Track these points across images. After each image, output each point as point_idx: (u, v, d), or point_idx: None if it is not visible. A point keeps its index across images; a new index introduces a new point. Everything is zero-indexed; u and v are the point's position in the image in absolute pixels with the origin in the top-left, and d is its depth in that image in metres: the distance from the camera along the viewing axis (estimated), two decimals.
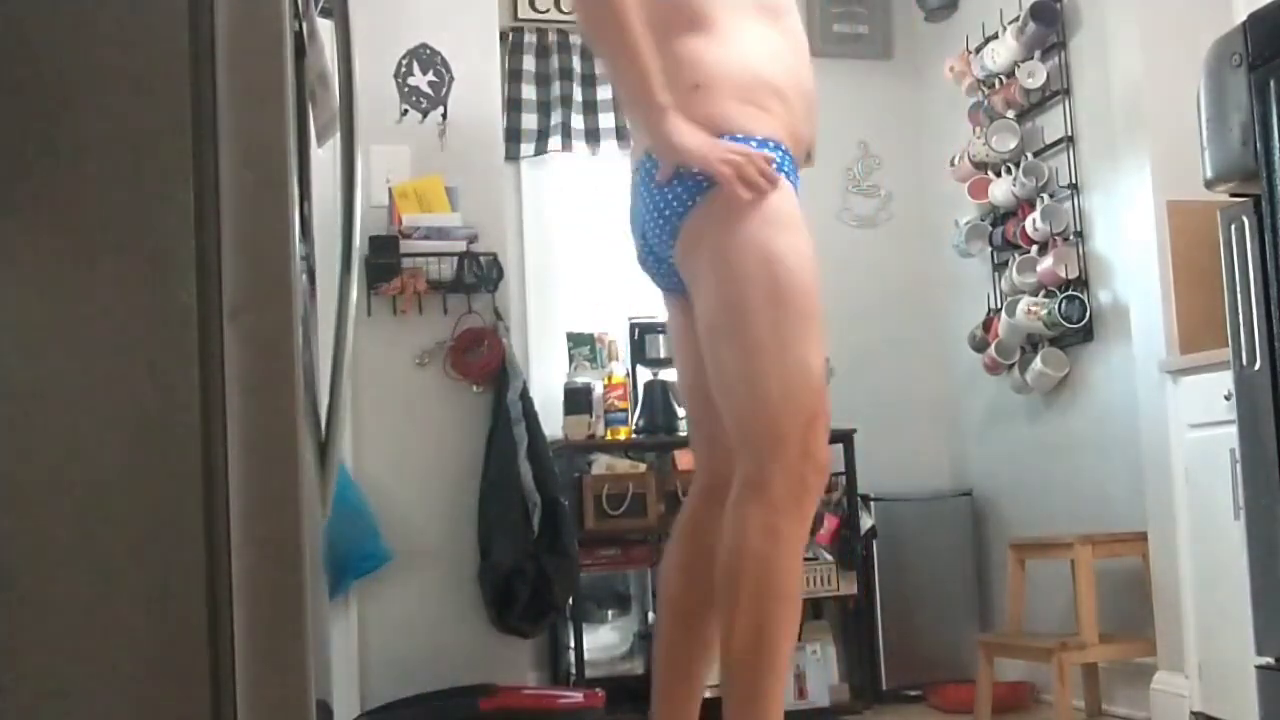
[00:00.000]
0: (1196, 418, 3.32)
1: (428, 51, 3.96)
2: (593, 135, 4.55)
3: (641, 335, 4.34)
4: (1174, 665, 3.47)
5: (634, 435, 4.24)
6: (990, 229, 4.51)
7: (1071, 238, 4.15)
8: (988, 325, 4.51)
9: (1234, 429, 2.92)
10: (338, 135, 1.76)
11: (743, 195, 1.99)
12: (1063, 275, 4.13)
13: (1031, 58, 4.27)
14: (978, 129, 4.50)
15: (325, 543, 1.58)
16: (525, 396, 3.87)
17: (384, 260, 3.78)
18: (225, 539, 1.17)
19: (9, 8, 1.18)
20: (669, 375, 4.25)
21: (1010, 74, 4.36)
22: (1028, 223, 4.25)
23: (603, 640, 4.07)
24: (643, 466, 4.13)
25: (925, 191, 5.04)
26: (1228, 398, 2.99)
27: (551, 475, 3.81)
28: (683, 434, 4.05)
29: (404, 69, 3.94)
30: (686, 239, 2.07)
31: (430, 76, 3.92)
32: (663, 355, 4.25)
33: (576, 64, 4.60)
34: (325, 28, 1.81)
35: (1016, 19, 4.28)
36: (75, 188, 1.18)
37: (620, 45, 2.00)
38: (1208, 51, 2.91)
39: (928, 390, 4.97)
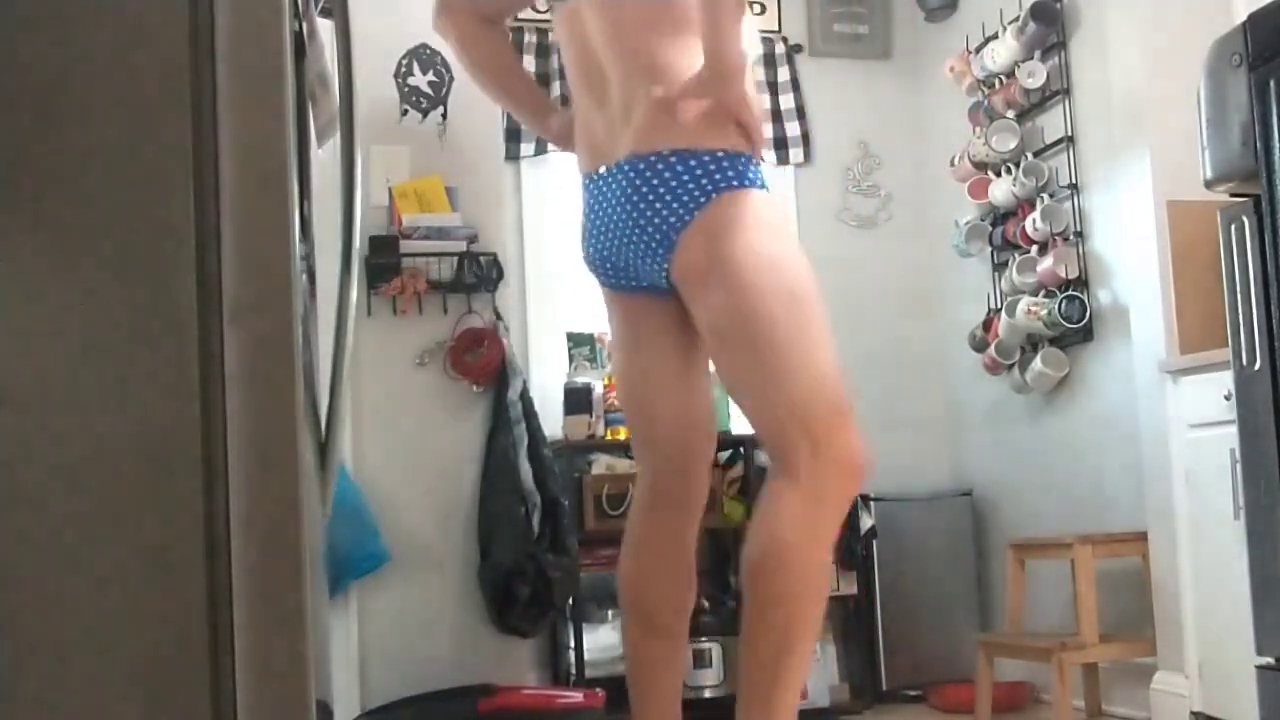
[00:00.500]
0: (1196, 418, 3.32)
1: (428, 51, 3.96)
2: None
3: None
4: (1174, 665, 3.46)
5: None
6: (990, 229, 4.51)
7: (1071, 238, 4.15)
8: (988, 325, 4.51)
9: (1234, 429, 2.92)
10: (338, 135, 1.76)
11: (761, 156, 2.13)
12: (1063, 275, 4.13)
13: (1031, 58, 4.28)
14: (978, 129, 4.50)
15: (325, 543, 1.58)
16: (525, 396, 3.87)
17: (384, 260, 3.78)
18: (225, 539, 1.17)
19: (8, 8, 1.18)
20: None
21: (1010, 74, 4.36)
22: (1028, 223, 4.25)
23: (603, 640, 4.07)
24: None
25: (925, 191, 5.04)
26: (1228, 398, 2.99)
27: (551, 475, 3.82)
28: None
29: (404, 69, 3.94)
30: (686, 251, 2.07)
31: (430, 76, 3.92)
32: None
33: None
34: (325, 28, 1.81)
35: (1016, 19, 4.28)
36: (75, 188, 1.18)
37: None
38: (1208, 51, 2.91)
39: (928, 390, 4.97)
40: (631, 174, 2.09)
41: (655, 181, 2.07)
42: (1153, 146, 3.60)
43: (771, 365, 2.01)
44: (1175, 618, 3.45)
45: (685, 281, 2.10)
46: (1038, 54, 4.26)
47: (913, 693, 4.44)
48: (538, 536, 3.71)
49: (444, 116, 3.94)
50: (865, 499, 4.47)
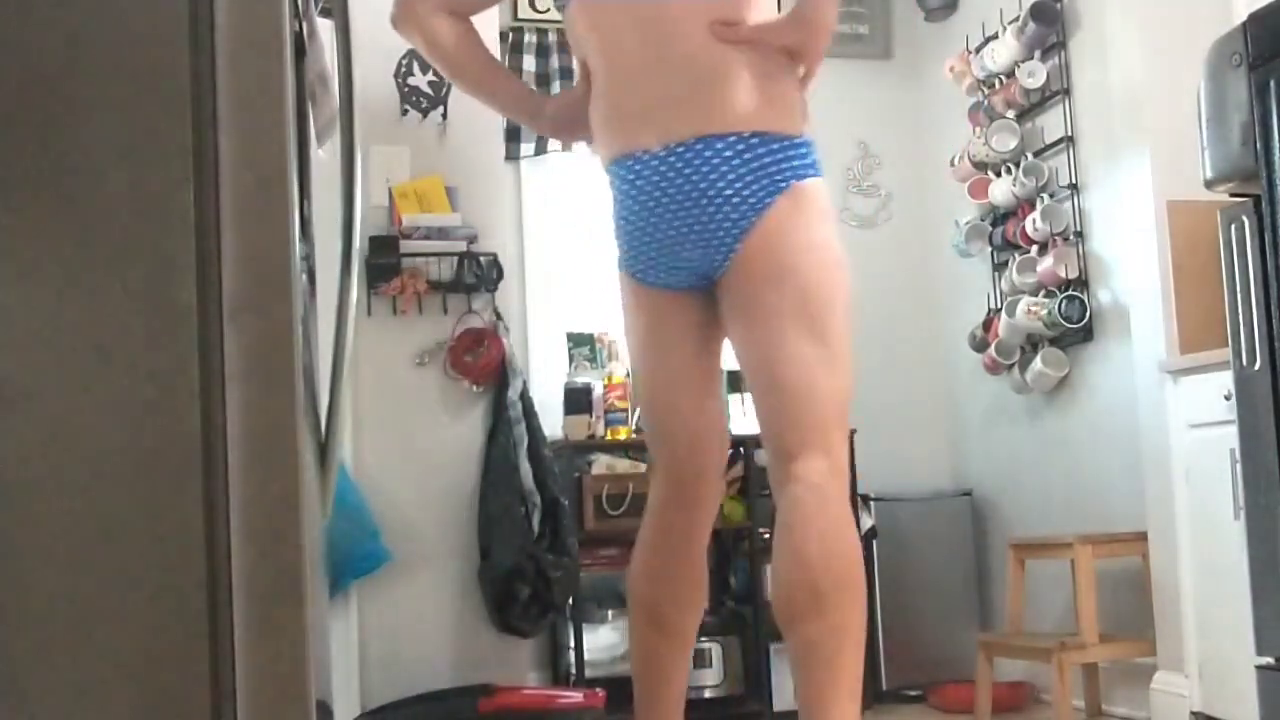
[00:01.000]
0: (1196, 418, 3.32)
1: None
2: None
3: None
4: (1174, 665, 3.46)
5: (634, 435, 4.23)
6: (990, 229, 4.51)
7: (1071, 238, 4.15)
8: (988, 325, 4.51)
9: (1234, 429, 2.92)
10: (338, 135, 1.76)
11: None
12: (1063, 275, 4.13)
13: (1031, 58, 4.28)
14: (978, 129, 4.50)
15: (325, 543, 1.58)
16: (525, 396, 3.87)
17: (384, 260, 3.78)
18: (225, 539, 1.17)
19: (9, 8, 1.18)
20: None
21: (1010, 74, 4.36)
22: (1028, 223, 4.25)
23: (603, 640, 4.07)
24: (643, 466, 4.12)
25: (925, 191, 5.04)
26: (1228, 398, 2.99)
27: (551, 475, 3.82)
28: None
29: (404, 69, 3.93)
30: (764, 233, 2.04)
31: (430, 76, 3.92)
32: None
33: (576, 64, 4.59)
34: (325, 28, 1.81)
35: (1016, 19, 4.28)
36: (75, 188, 1.18)
37: None
38: (1208, 51, 2.91)
39: (928, 390, 4.97)
40: (708, 153, 2.03)
41: (735, 162, 2.02)
42: (1153, 146, 3.60)
43: (829, 357, 2.06)
44: (1175, 618, 3.45)
45: (749, 272, 2.06)
46: (1038, 54, 4.26)
47: (913, 692, 4.44)
48: (538, 536, 3.71)
49: (444, 116, 3.94)
50: (865, 499, 4.47)
